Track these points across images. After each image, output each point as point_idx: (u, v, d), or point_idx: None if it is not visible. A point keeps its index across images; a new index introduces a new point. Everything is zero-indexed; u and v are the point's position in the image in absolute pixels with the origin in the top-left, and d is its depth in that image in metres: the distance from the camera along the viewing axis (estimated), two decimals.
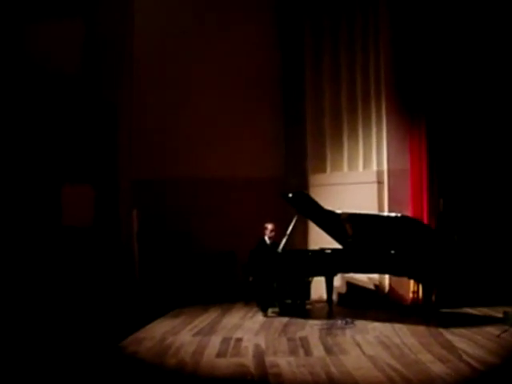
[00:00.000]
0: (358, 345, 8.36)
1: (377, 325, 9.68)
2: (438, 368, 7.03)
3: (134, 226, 11.72)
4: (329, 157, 12.74)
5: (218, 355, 7.93)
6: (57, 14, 10.19)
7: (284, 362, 7.46)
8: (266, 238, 11.29)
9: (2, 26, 9.63)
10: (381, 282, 11.92)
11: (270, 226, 11.30)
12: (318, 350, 8.10)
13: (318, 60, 12.75)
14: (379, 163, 12.08)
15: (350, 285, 12.14)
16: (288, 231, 10.79)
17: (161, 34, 12.70)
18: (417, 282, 10.99)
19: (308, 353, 8.00)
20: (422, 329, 9.26)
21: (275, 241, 11.10)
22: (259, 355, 7.87)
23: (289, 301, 11.03)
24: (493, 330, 8.86)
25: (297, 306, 10.90)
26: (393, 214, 10.43)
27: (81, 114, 10.39)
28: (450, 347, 8.05)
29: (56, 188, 10.02)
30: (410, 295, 11.50)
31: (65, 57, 10.31)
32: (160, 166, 12.65)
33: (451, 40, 11.51)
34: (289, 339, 8.81)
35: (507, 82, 11.41)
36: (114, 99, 10.88)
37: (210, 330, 9.56)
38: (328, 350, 8.07)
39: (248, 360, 7.64)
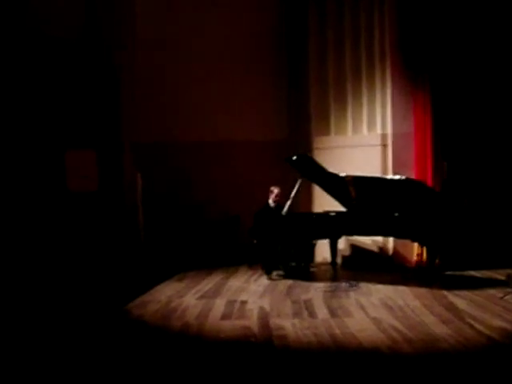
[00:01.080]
0: (362, 307, 8.42)
1: (380, 287, 9.74)
2: (440, 330, 7.10)
3: (139, 190, 11.73)
4: (333, 119, 12.68)
5: (223, 318, 8.00)
6: None
7: (288, 324, 7.52)
8: (271, 202, 11.27)
9: None
10: (385, 245, 11.96)
11: (276, 191, 11.26)
12: (322, 313, 8.16)
13: (322, 22, 12.62)
14: (383, 126, 12.04)
15: (354, 247, 12.18)
16: (292, 194, 10.80)
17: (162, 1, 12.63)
18: (421, 244, 11.03)
19: (312, 315, 8.06)
20: (425, 291, 9.32)
21: (280, 204, 11.09)
22: (264, 317, 7.94)
23: (293, 263, 11.07)
24: (496, 293, 8.92)
25: (301, 269, 10.95)
26: (397, 177, 10.43)
27: (83, 78, 10.33)
28: (453, 309, 8.11)
29: (59, 153, 10.01)
30: (414, 258, 11.54)
31: (66, 20, 10.23)
32: (163, 129, 12.62)
33: (457, 4, 11.38)
34: (293, 302, 8.88)
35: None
36: (116, 63, 10.82)
37: (215, 293, 9.62)
38: (332, 313, 8.13)
39: (252, 322, 7.70)
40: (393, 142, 11.92)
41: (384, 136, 12.00)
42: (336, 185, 10.81)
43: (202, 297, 9.34)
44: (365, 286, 9.80)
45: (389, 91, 11.92)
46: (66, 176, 10.05)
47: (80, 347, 6.81)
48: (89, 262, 9.91)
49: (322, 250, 11.87)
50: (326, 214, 10.83)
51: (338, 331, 7.18)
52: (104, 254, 10.17)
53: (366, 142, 12.20)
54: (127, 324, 7.88)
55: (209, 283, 10.44)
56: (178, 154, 12.80)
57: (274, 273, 10.84)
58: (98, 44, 10.57)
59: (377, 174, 11.55)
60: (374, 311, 8.16)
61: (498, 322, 7.33)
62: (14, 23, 9.42)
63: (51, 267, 9.40)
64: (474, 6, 11.37)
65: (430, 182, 11.41)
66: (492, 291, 9.08)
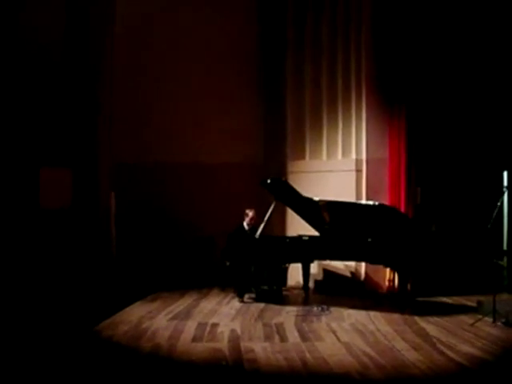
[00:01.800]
0: (333, 331, 8.41)
1: (352, 312, 9.75)
2: (411, 355, 7.11)
3: (112, 209, 11.67)
4: (308, 144, 12.76)
5: (194, 340, 7.95)
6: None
7: (259, 348, 7.50)
8: (245, 224, 11.27)
9: None
10: (357, 270, 11.99)
11: (250, 214, 11.27)
12: (293, 336, 8.15)
13: (300, 48, 12.73)
14: (358, 152, 12.12)
15: (327, 272, 12.21)
16: (266, 217, 10.81)
17: (139, 19, 12.64)
18: (393, 270, 11.09)
19: (283, 339, 8.04)
20: (396, 316, 9.34)
21: (254, 227, 11.09)
22: (235, 340, 7.90)
23: (265, 287, 11.06)
24: (467, 319, 8.98)
25: (273, 292, 10.93)
26: (370, 203, 10.50)
27: (61, 96, 10.30)
28: (424, 335, 8.14)
29: (34, 171, 9.94)
30: (386, 283, 11.59)
31: (46, 40, 10.20)
32: (138, 150, 12.63)
33: (432, 32, 11.55)
34: (264, 325, 8.85)
35: (485, 75, 11.51)
36: (93, 82, 10.80)
37: (187, 314, 9.57)
38: (303, 337, 8.12)
39: (223, 345, 7.67)
40: (367, 168, 12.01)
41: (358, 161, 12.08)
42: (310, 209, 10.85)
43: (173, 318, 9.29)
44: (336, 311, 9.81)
45: (364, 117, 12.03)
46: (40, 193, 9.97)
47: (48, 367, 6.72)
48: (60, 280, 9.81)
49: (295, 273, 11.87)
50: (299, 237, 10.85)
51: (308, 355, 7.16)
52: (75, 273, 10.08)
53: (341, 167, 12.28)
54: (97, 344, 7.81)
55: (181, 305, 10.39)
56: (154, 174, 12.79)
57: (246, 296, 10.82)
58: (77, 63, 10.55)
59: (351, 199, 11.61)
60: (346, 336, 8.16)
61: (468, 349, 7.36)
62: None
63: (21, 285, 9.29)
64: (450, 39, 11.54)
65: (403, 207, 11.49)
66: (463, 317, 9.14)
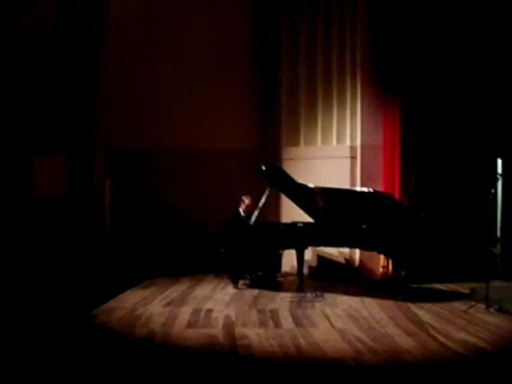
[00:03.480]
0: (327, 317, 8.45)
1: (346, 298, 9.78)
2: (405, 341, 7.14)
3: (107, 196, 11.67)
4: (303, 130, 12.75)
5: (188, 326, 7.97)
6: None
7: (253, 334, 7.52)
8: (241, 211, 11.26)
9: None
10: (351, 256, 12.02)
11: (247, 201, 11.23)
12: (287, 323, 8.18)
13: (295, 34, 12.69)
14: (353, 138, 12.12)
15: (321, 258, 12.23)
16: (260, 204, 10.82)
17: (135, 6, 12.57)
18: (387, 256, 11.11)
19: (277, 325, 8.07)
20: (390, 303, 9.38)
21: (249, 214, 11.08)
22: (229, 326, 7.93)
23: (260, 273, 11.10)
24: (460, 306, 9.02)
25: (267, 279, 10.96)
26: (365, 189, 10.51)
27: (55, 82, 10.26)
28: (417, 321, 8.17)
29: (28, 158, 9.91)
30: (380, 270, 11.62)
31: (38, 23, 10.14)
32: (134, 136, 12.59)
33: (427, 21, 11.53)
34: (259, 311, 8.88)
35: (480, 63, 11.50)
36: (89, 67, 10.75)
37: (181, 300, 9.59)
38: (297, 323, 8.15)
39: (218, 331, 7.69)
40: (362, 154, 12.01)
41: (353, 148, 12.08)
42: (304, 196, 10.86)
43: (167, 304, 9.31)
44: (330, 297, 9.84)
45: (359, 104, 12.02)
46: (34, 180, 9.95)
47: (43, 353, 6.74)
48: (54, 267, 9.81)
49: (289, 259, 11.90)
50: (294, 224, 10.87)
51: (302, 341, 7.19)
52: (70, 259, 10.08)
53: (335, 153, 12.28)
54: (91, 331, 7.82)
55: (175, 291, 10.41)
56: (149, 160, 12.77)
57: (241, 282, 10.84)
58: (72, 47, 10.50)
59: (345, 185, 11.62)
60: (340, 322, 8.19)
61: (461, 335, 7.40)
62: None
63: (16, 272, 9.29)
64: (445, 26, 11.51)
65: (397, 194, 11.50)
66: (456, 304, 9.19)
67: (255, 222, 10.79)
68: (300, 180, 10.83)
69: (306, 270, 11.82)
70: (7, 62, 9.59)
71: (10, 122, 9.63)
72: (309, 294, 9.95)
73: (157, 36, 12.74)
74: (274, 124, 13.10)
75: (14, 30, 9.63)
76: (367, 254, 11.45)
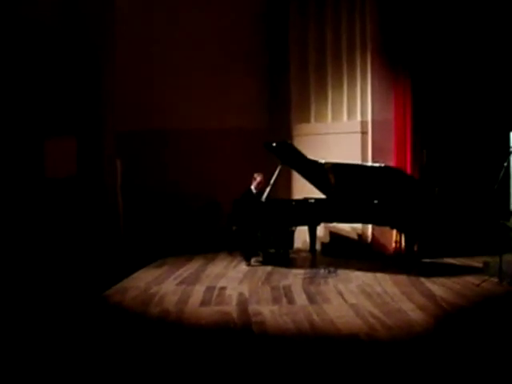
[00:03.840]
0: (341, 293, 8.47)
1: (359, 274, 9.80)
2: (418, 316, 7.16)
3: (119, 177, 11.68)
4: (313, 107, 12.70)
5: (202, 304, 8.01)
6: None
7: (267, 311, 7.55)
8: (253, 188, 11.26)
9: None
10: (364, 232, 12.01)
11: (258, 178, 11.22)
12: (300, 299, 8.20)
13: (304, 10, 12.60)
14: (363, 113, 12.05)
15: (333, 234, 12.23)
16: (272, 181, 10.82)
17: None
18: (399, 231, 11.09)
19: (291, 301, 8.10)
20: (403, 278, 9.38)
21: (261, 191, 11.08)
22: (243, 304, 7.96)
23: (272, 250, 11.12)
24: (473, 280, 9.02)
25: (280, 255, 10.98)
26: (376, 164, 10.49)
27: (63, 64, 10.23)
28: (430, 296, 8.18)
29: (39, 141, 9.91)
30: (393, 245, 11.61)
31: (46, 6, 10.10)
32: (144, 117, 12.56)
33: None
34: (272, 288, 8.91)
35: (491, 38, 11.38)
36: (97, 50, 10.72)
37: (194, 279, 9.63)
38: (311, 299, 8.18)
39: (231, 308, 7.73)
40: (372, 130, 11.95)
41: (364, 123, 12.02)
42: (315, 172, 10.84)
43: (181, 283, 9.34)
44: (343, 273, 9.86)
45: (369, 79, 11.94)
46: (45, 162, 9.96)
47: (58, 333, 6.79)
48: (67, 247, 9.85)
49: (302, 236, 11.91)
50: (305, 200, 10.86)
51: (316, 317, 7.22)
52: (83, 240, 10.12)
53: (346, 129, 12.22)
54: (106, 310, 7.87)
55: (188, 269, 10.45)
56: (159, 141, 12.76)
57: (253, 259, 10.87)
58: (79, 29, 10.46)
59: (356, 161, 11.57)
60: (353, 298, 8.21)
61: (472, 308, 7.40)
62: None
63: (30, 254, 9.34)
64: (455, 2, 11.41)
65: (409, 169, 11.46)
66: (469, 278, 9.18)
67: (267, 198, 10.79)
68: (311, 156, 10.80)
69: (318, 246, 11.83)
70: (14, 45, 9.56)
71: (19, 105, 9.61)
72: (322, 270, 9.97)
73: (167, 21, 12.66)
74: (284, 101, 13.04)
75: (21, 11, 9.59)
76: (380, 229, 11.45)
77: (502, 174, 8.90)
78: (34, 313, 7.55)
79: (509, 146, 10.42)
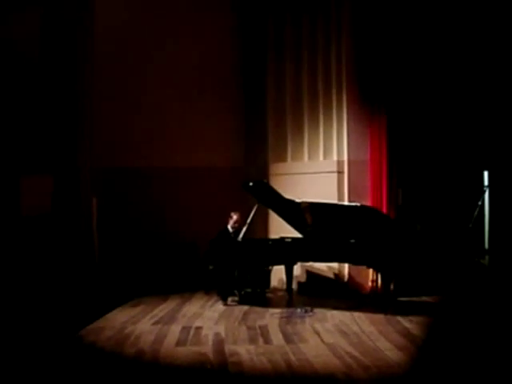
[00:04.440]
0: (317, 333, 8.43)
1: (336, 313, 9.77)
2: (396, 356, 7.14)
3: (94, 215, 11.62)
4: (289, 146, 12.76)
5: (178, 344, 7.95)
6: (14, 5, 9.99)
7: (243, 351, 7.50)
8: (229, 227, 11.25)
9: None
10: (340, 271, 12.01)
11: (235, 217, 11.22)
12: (277, 339, 8.16)
13: (280, 50, 12.73)
14: (339, 153, 12.14)
15: (310, 273, 12.21)
16: (248, 220, 10.82)
17: (120, 22, 12.54)
18: (376, 270, 11.10)
19: (267, 341, 8.05)
20: (380, 317, 9.37)
21: (238, 230, 11.06)
22: (219, 344, 7.90)
23: (249, 289, 11.06)
24: None
25: (257, 295, 10.93)
26: (352, 204, 10.53)
27: (39, 102, 10.23)
28: (407, 335, 8.16)
29: (14, 179, 9.86)
30: (369, 284, 11.61)
31: (23, 45, 10.13)
32: (120, 154, 12.50)
33: (412, 34, 11.59)
34: (248, 327, 8.85)
35: (465, 77, 11.57)
36: (73, 88, 10.74)
37: (170, 318, 9.55)
38: (287, 339, 8.13)
39: (208, 348, 7.67)
40: (349, 169, 12.02)
41: (340, 163, 12.09)
42: (292, 211, 10.86)
43: (156, 322, 9.26)
44: (320, 312, 9.82)
45: (345, 119, 12.04)
46: (20, 200, 9.90)
47: (32, 373, 6.69)
48: (42, 285, 9.75)
49: (279, 275, 11.88)
50: (282, 239, 10.86)
51: (293, 357, 7.17)
52: (57, 278, 10.02)
53: (322, 168, 12.28)
54: (80, 350, 7.77)
55: (164, 309, 10.36)
56: (136, 178, 12.70)
57: (230, 298, 10.81)
58: (56, 67, 10.48)
59: (333, 200, 11.62)
60: (330, 337, 8.18)
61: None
62: None
63: (3, 291, 9.23)
64: (429, 41, 11.59)
65: (385, 208, 11.53)
66: None
67: (243, 238, 10.77)
68: (287, 196, 10.83)
69: (295, 286, 11.79)
70: None
71: None
72: (298, 310, 9.93)
73: (140, 55, 12.69)
74: (260, 140, 13.10)
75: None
76: (356, 268, 11.45)
77: (476, 213, 8.97)
78: (7, 352, 7.43)
79: (483, 185, 10.55)
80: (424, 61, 11.64)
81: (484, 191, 9.51)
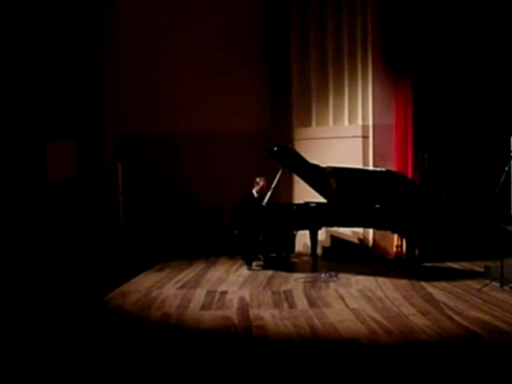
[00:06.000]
0: (342, 298, 8.46)
1: (360, 278, 9.78)
2: (419, 321, 7.14)
3: (119, 180, 11.67)
4: (314, 111, 12.70)
5: (203, 308, 8.01)
6: None
7: (268, 315, 7.54)
8: (254, 192, 11.24)
9: None
10: (365, 236, 12.01)
11: (261, 183, 11.21)
12: (301, 303, 8.19)
13: (305, 13, 12.60)
14: (364, 118, 12.06)
15: (335, 238, 12.22)
16: (273, 185, 10.80)
17: None
18: (400, 236, 11.09)
19: (292, 305, 8.09)
20: (404, 282, 9.37)
21: (263, 195, 11.05)
22: (243, 308, 7.95)
23: (273, 254, 11.11)
24: (474, 284, 9.01)
25: (281, 260, 10.97)
26: (378, 169, 10.48)
27: (64, 67, 10.24)
28: (431, 300, 8.17)
29: (40, 144, 9.92)
30: (394, 249, 11.61)
31: (48, 6, 10.10)
32: (145, 119, 12.55)
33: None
34: (273, 292, 8.90)
35: (492, 41, 11.38)
36: (98, 52, 10.72)
37: (195, 283, 9.62)
38: (312, 303, 8.17)
39: (232, 313, 7.72)
40: (374, 134, 11.95)
41: (365, 127, 12.02)
42: (316, 176, 10.83)
43: (182, 287, 9.34)
44: (344, 277, 9.84)
45: (370, 83, 11.95)
46: (46, 165, 9.96)
47: (58, 337, 6.78)
48: (68, 251, 9.85)
49: (304, 240, 11.90)
50: (307, 205, 10.85)
51: (317, 322, 7.20)
52: (83, 243, 10.11)
53: (347, 133, 12.22)
54: (106, 315, 7.86)
55: (189, 273, 10.44)
56: (160, 144, 12.74)
57: (255, 263, 10.85)
58: (80, 31, 10.45)
59: (357, 165, 11.57)
60: (354, 302, 8.20)
61: (475, 314, 7.39)
62: None
63: (30, 258, 9.33)
64: (455, 2, 11.41)
65: (410, 173, 11.46)
66: (470, 282, 9.17)
67: (268, 203, 10.78)
68: (312, 160, 10.79)
69: (319, 251, 11.81)
70: (16, 50, 9.56)
71: (20, 108, 9.62)
72: (323, 275, 9.96)
73: (165, 18, 12.65)
74: (285, 105, 13.04)
75: (24, 13, 9.58)
76: (381, 233, 11.45)
77: (502, 179, 8.88)
78: (34, 316, 7.54)
79: (509, 151, 10.42)
80: (449, 23, 11.46)
81: (511, 157, 9.37)
